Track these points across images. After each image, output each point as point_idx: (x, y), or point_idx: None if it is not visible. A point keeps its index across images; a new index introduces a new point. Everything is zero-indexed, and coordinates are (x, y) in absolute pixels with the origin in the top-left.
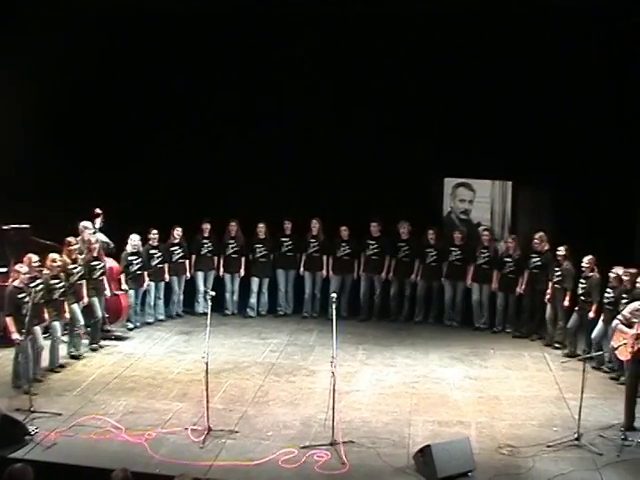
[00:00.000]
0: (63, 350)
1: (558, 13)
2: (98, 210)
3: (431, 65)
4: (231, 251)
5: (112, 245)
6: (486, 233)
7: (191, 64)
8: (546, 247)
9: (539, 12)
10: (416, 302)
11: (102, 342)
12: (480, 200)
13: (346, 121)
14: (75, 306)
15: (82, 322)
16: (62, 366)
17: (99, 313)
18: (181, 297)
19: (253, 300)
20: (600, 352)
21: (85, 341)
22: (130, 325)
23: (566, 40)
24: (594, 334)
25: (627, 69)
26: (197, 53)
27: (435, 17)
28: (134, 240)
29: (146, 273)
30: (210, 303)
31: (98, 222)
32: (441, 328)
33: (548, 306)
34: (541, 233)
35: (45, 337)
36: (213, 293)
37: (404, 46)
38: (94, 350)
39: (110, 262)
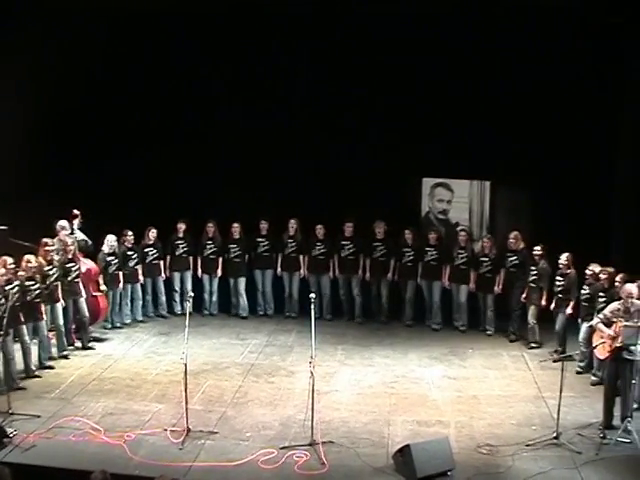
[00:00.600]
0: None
1: (536, 14)
2: (76, 211)
3: (410, 64)
4: (209, 252)
5: (90, 243)
6: (463, 233)
7: (166, 65)
8: (521, 246)
9: (518, 13)
10: (406, 304)
11: (77, 344)
12: (458, 200)
13: (323, 121)
14: (57, 307)
15: (62, 323)
16: (51, 367)
17: (85, 314)
18: (163, 298)
19: (242, 301)
20: (574, 352)
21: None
22: (108, 325)
23: (545, 40)
24: (581, 335)
25: (606, 69)
26: (173, 54)
27: (414, 16)
28: (110, 241)
29: (121, 274)
30: (189, 304)
31: (76, 223)
32: (420, 328)
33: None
34: (516, 232)
35: (16, 341)
36: (192, 294)
37: (381, 45)
38: (86, 349)
39: (89, 263)
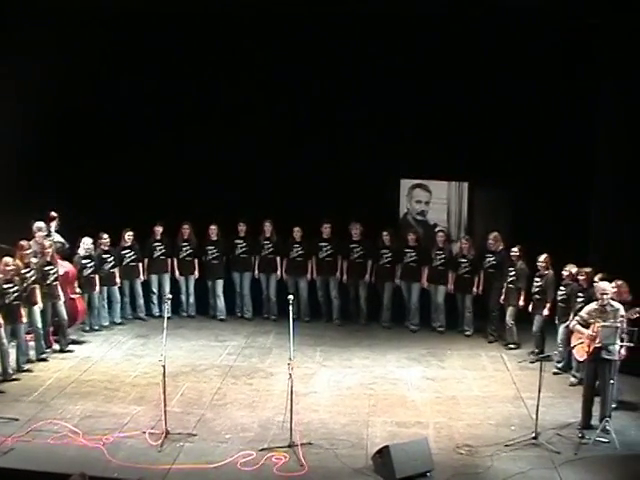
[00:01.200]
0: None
1: (515, 14)
2: (53, 213)
3: (388, 66)
4: (185, 254)
5: (67, 246)
6: (441, 234)
7: (144, 65)
8: (500, 247)
9: (495, 14)
10: (383, 306)
11: (55, 346)
12: (436, 201)
13: (300, 122)
14: (35, 310)
15: (40, 325)
16: (29, 370)
17: (64, 316)
18: (141, 301)
19: (220, 303)
20: (551, 353)
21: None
22: (86, 328)
23: (523, 41)
24: (559, 336)
25: (583, 70)
26: (144, 52)
27: (393, 18)
28: (86, 243)
29: (98, 276)
30: (168, 306)
31: (54, 225)
32: (398, 329)
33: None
34: (495, 233)
35: None
36: (170, 296)
37: (359, 47)
38: (64, 352)
39: (66, 265)
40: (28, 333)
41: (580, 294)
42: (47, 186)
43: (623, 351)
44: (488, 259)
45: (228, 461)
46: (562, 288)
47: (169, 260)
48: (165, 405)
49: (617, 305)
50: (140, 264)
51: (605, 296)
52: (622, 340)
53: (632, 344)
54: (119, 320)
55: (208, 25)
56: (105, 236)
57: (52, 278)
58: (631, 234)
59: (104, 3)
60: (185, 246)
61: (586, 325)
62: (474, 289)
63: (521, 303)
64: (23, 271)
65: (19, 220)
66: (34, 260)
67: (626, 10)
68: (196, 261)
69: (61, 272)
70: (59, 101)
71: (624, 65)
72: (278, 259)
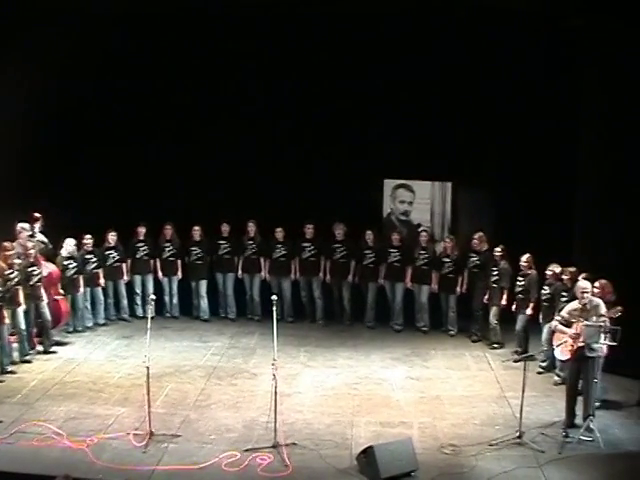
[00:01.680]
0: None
1: (497, 14)
2: (37, 214)
3: (370, 65)
4: (167, 254)
5: (51, 246)
6: (424, 234)
7: (123, 65)
8: (485, 247)
9: (477, 15)
10: (367, 306)
11: (39, 348)
12: (420, 201)
13: (283, 121)
14: (19, 311)
15: (23, 327)
16: (13, 372)
17: (47, 317)
18: (125, 302)
19: (203, 303)
20: (535, 352)
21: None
22: (70, 329)
23: (506, 41)
24: (544, 336)
25: (566, 70)
26: (128, 54)
27: (374, 18)
28: (69, 244)
29: (81, 278)
30: (152, 307)
31: (37, 226)
32: (382, 329)
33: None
34: (480, 233)
35: None
36: (154, 297)
37: (342, 48)
38: (48, 353)
39: (50, 267)
40: (12, 335)
41: (564, 293)
42: (30, 186)
43: (605, 350)
44: (472, 259)
45: (212, 462)
46: (546, 288)
47: (152, 261)
48: (149, 406)
49: (597, 301)
50: (124, 265)
51: (585, 295)
52: (605, 339)
53: (615, 343)
54: (103, 321)
55: (185, 27)
56: (88, 237)
57: (35, 279)
58: (614, 234)
59: (97, 4)
60: (168, 247)
61: (568, 324)
62: (458, 289)
63: (504, 303)
64: (6, 272)
65: (1, 221)
66: (17, 261)
67: (609, 11)
68: (179, 262)
69: (45, 273)
70: (42, 102)
71: (607, 67)
72: (262, 259)
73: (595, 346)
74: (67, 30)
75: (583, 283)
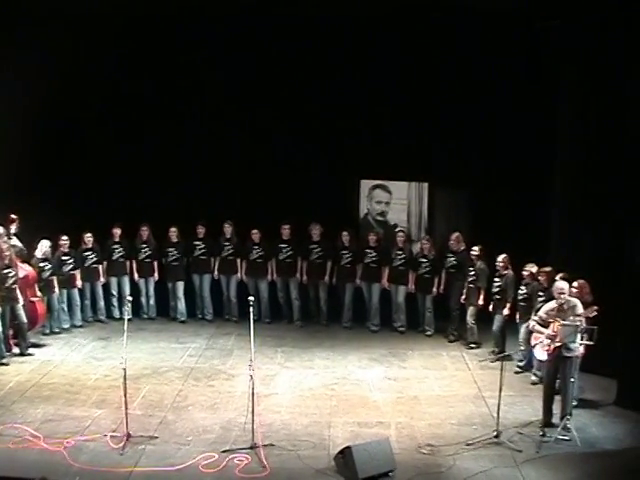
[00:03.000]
0: None
1: (473, 15)
2: (13, 215)
3: (347, 66)
4: (144, 255)
5: (25, 251)
6: (401, 234)
7: (99, 68)
8: (462, 247)
9: (451, 15)
10: (344, 306)
11: (15, 350)
12: (397, 202)
13: (259, 123)
14: None
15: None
16: None
17: (23, 319)
18: (102, 303)
19: (180, 305)
20: (511, 352)
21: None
22: (46, 331)
23: (483, 41)
24: (521, 335)
25: (543, 71)
26: (114, 54)
27: (346, 18)
28: (44, 246)
29: (56, 279)
30: (128, 308)
31: (13, 228)
32: (359, 330)
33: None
34: (457, 233)
35: None
36: (131, 298)
37: (317, 49)
38: (25, 355)
39: (26, 268)
40: None
41: (541, 293)
42: (6, 188)
43: (582, 349)
44: (449, 259)
45: (190, 463)
46: (523, 288)
47: (128, 262)
48: (126, 408)
49: (574, 301)
50: (100, 266)
51: (562, 295)
52: (581, 338)
53: (591, 342)
54: (79, 323)
55: (165, 28)
56: (65, 238)
57: (11, 281)
58: (589, 234)
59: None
60: (144, 248)
61: (545, 324)
62: (434, 289)
63: (481, 302)
64: None
65: None
66: None
67: (584, 12)
68: (155, 263)
69: (21, 275)
70: (14, 105)
71: (583, 67)
72: (238, 261)
73: (572, 346)
74: (42, 32)
75: (560, 284)
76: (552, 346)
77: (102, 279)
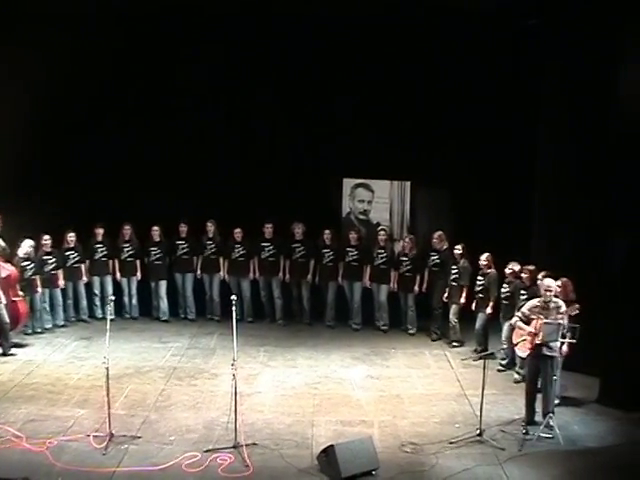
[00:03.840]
0: None
1: (456, 15)
2: None
3: (328, 64)
4: (126, 255)
5: (8, 250)
6: (382, 233)
7: (83, 64)
8: (445, 246)
9: (434, 15)
10: (327, 305)
11: None
12: (379, 200)
13: (241, 121)
14: None
15: None
16: None
17: (5, 319)
18: (84, 303)
19: (163, 304)
20: (494, 350)
21: None
22: (29, 330)
23: (464, 41)
24: (504, 334)
25: (523, 72)
26: (94, 54)
27: (330, 18)
28: (26, 245)
29: (39, 278)
30: (111, 308)
31: None
32: (342, 329)
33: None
34: (440, 232)
35: None
36: (113, 298)
37: (298, 46)
38: (7, 355)
39: (9, 268)
40: None
41: (523, 292)
42: None
43: (565, 348)
44: (432, 257)
45: (173, 463)
46: (505, 286)
47: (111, 262)
48: (109, 407)
49: (560, 302)
50: (83, 266)
51: (549, 293)
52: (564, 337)
53: (574, 340)
54: (62, 322)
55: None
56: (47, 237)
57: None
58: (571, 233)
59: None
60: (127, 247)
61: (527, 321)
62: (417, 288)
63: (463, 301)
64: None
65: None
66: None
67: (563, 11)
68: (138, 262)
69: (3, 275)
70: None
71: (565, 66)
72: (221, 259)
73: (553, 345)
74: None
75: (548, 281)
76: (533, 343)
77: (85, 278)
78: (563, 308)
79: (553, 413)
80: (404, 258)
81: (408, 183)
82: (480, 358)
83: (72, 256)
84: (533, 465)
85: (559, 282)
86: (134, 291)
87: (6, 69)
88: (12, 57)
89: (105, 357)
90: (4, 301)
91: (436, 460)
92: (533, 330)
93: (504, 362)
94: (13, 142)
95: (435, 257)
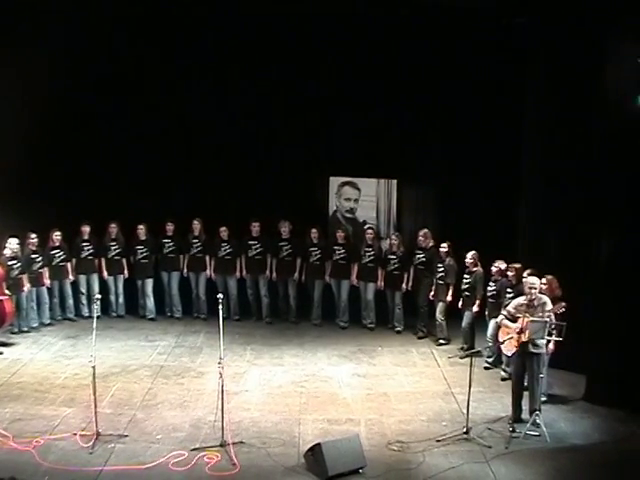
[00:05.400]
0: None
1: (442, 14)
2: None
3: (316, 63)
4: (113, 253)
5: None
6: (370, 231)
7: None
8: (431, 243)
9: (422, 13)
10: (314, 303)
11: None
12: (365, 199)
13: (228, 119)
14: None
15: None
16: None
17: None
18: (70, 301)
19: (149, 302)
20: (481, 348)
21: None
22: (15, 329)
23: (450, 40)
24: (489, 331)
25: (508, 70)
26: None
27: (316, 16)
28: (12, 244)
29: (25, 277)
30: (97, 306)
31: None
32: (328, 327)
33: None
34: (425, 230)
35: None
36: (99, 296)
37: (288, 43)
38: None
39: None
40: None
41: (509, 290)
42: None
43: (551, 345)
44: (418, 256)
45: (160, 461)
46: (491, 284)
47: (97, 260)
48: (96, 406)
49: (544, 298)
50: (69, 264)
51: (533, 290)
52: (550, 335)
53: (560, 338)
54: (48, 321)
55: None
56: (33, 236)
57: None
58: (556, 232)
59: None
60: (113, 246)
61: (513, 319)
62: (403, 286)
63: (450, 299)
64: None
65: None
66: None
67: (551, 9)
68: (124, 261)
69: None
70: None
71: (551, 66)
72: (207, 258)
73: (539, 342)
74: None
75: (532, 279)
76: (519, 341)
77: (71, 277)
78: (549, 305)
79: (540, 411)
80: (392, 256)
81: (395, 181)
82: (467, 356)
83: (58, 255)
84: (520, 463)
85: (544, 279)
86: (120, 289)
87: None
88: (4, 58)
89: (91, 356)
90: None
91: (423, 458)
92: (519, 328)
93: (490, 360)
94: None
95: (421, 255)
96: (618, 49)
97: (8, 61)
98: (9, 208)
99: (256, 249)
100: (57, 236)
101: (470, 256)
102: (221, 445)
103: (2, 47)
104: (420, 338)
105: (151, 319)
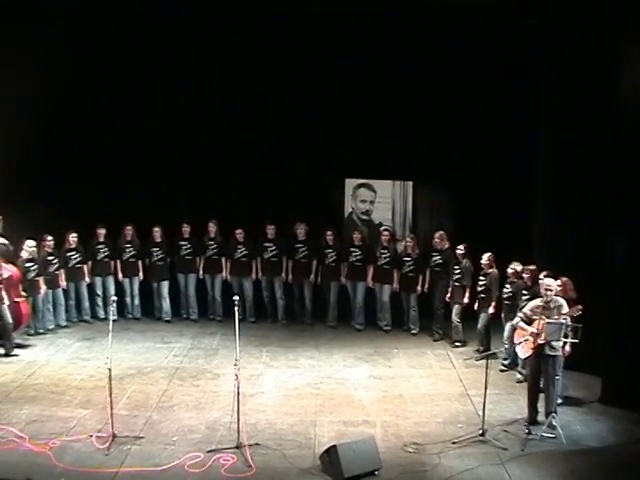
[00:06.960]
0: None
1: (453, 14)
2: None
3: (329, 64)
4: (128, 255)
5: (12, 248)
6: (385, 233)
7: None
8: (446, 245)
9: (435, 14)
10: (329, 305)
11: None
12: (381, 200)
13: (243, 121)
14: None
15: None
16: None
17: (8, 320)
18: (86, 303)
19: (165, 304)
20: (497, 350)
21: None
22: (31, 331)
23: (464, 41)
24: (505, 334)
25: (524, 70)
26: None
27: (331, 16)
28: (29, 246)
29: (42, 279)
30: (113, 308)
31: None
32: (344, 329)
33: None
34: (441, 232)
35: None
36: (115, 298)
37: (300, 46)
38: (9, 356)
39: (11, 269)
40: None
41: (525, 292)
42: None
43: (567, 347)
44: (434, 257)
45: (175, 463)
46: (507, 286)
47: (113, 262)
48: (112, 408)
49: (561, 301)
50: (85, 266)
51: (549, 292)
52: (566, 336)
53: (576, 340)
54: (64, 323)
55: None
56: (50, 238)
57: None
58: (572, 233)
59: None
60: (128, 248)
61: (529, 322)
62: (419, 287)
63: (466, 301)
64: None
65: None
66: None
67: (564, 10)
68: (140, 263)
69: (5, 275)
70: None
71: (565, 66)
72: (223, 260)
73: (555, 344)
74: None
75: (548, 281)
76: (536, 343)
77: (87, 279)
78: (565, 307)
79: (556, 413)
80: (407, 258)
81: (410, 183)
82: (482, 358)
83: (74, 257)
84: (535, 465)
85: (559, 281)
86: (136, 291)
87: (5, 69)
88: (11, 57)
89: (107, 357)
90: (7, 302)
91: (438, 460)
92: (535, 330)
93: (506, 362)
94: (14, 143)
95: (437, 257)
96: (634, 49)
97: (16, 61)
98: (25, 210)
99: (272, 251)
100: (73, 238)
101: (485, 258)
102: (237, 447)
103: (2, 47)
104: (436, 340)
105: (167, 321)
